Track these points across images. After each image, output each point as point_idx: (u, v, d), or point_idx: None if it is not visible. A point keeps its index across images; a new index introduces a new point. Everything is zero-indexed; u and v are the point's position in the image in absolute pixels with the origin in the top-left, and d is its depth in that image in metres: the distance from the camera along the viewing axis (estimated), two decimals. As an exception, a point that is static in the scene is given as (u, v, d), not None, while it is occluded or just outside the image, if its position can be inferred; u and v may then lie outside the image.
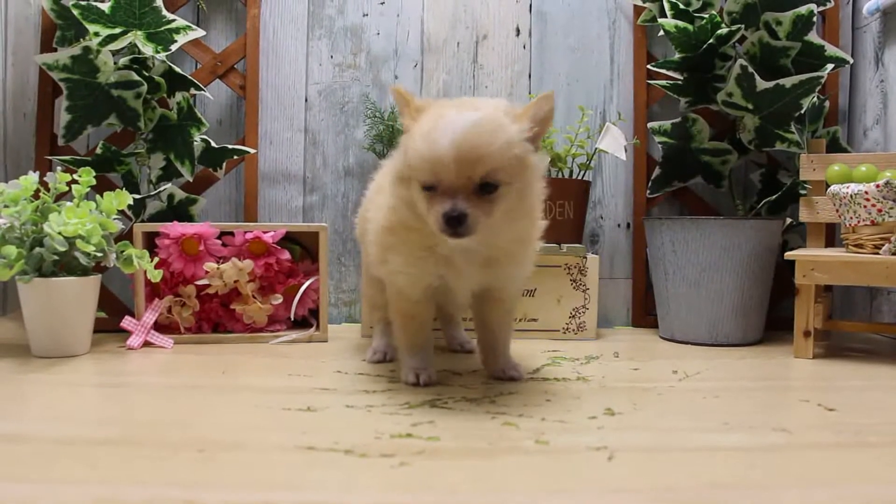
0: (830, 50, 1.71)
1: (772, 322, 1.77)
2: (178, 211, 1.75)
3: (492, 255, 1.15)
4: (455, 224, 1.02)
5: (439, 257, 1.13)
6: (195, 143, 1.73)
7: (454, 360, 1.45)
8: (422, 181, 1.04)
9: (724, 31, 1.66)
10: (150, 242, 1.62)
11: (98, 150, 1.69)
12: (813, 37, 1.71)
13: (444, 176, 1.02)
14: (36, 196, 1.42)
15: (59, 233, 1.36)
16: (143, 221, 1.70)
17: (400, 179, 1.10)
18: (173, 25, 1.66)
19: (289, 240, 1.69)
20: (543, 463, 0.84)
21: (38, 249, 1.38)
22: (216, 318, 1.65)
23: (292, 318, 1.66)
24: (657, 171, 1.89)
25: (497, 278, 1.19)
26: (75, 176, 1.46)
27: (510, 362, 1.28)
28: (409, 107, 1.10)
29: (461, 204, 1.02)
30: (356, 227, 1.52)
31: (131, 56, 1.67)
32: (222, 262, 1.61)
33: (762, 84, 1.66)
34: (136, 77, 1.66)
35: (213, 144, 1.75)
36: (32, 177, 1.41)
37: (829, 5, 1.74)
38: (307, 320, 1.70)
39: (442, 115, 1.04)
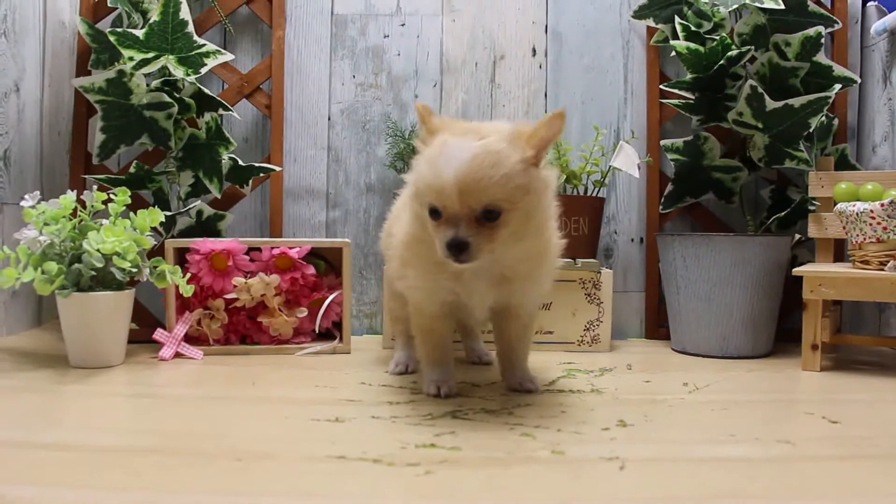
0: (838, 70, 1.76)
1: (782, 334, 1.82)
2: (206, 226, 1.82)
3: (503, 273, 1.19)
4: (457, 252, 1.07)
5: (450, 273, 1.18)
6: (223, 161, 1.80)
7: (474, 372, 1.51)
8: (428, 205, 1.10)
9: (734, 52, 1.71)
10: (181, 257, 1.69)
11: (132, 170, 1.76)
12: (821, 57, 1.75)
13: (448, 204, 1.06)
14: (74, 214, 1.49)
15: (98, 250, 1.43)
16: (173, 237, 1.78)
17: (414, 196, 1.15)
18: (203, 50, 1.73)
19: (313, 255, 1.75)
20: (558, 472, 0.89)
21: (76, 265, 1.45)
22: (244, 330, 1.71)
23: (317, 331, 1.73)
24: (670, 187, 1.94)
25: (512, 295, 1.24)
26: (111, 194, 1.53)
27: (527, 375, 1.33)
28: (424, 126, 1.15)
29: (463, 232, 1.06)
30: (381, 240, 1.57)
31: (163, 78, 1.74)
32: (250, 277, 1.67)
33: (771, 104, 1.71)
34: (168, 98, 1.73)
35: (240, 162, 1.82)
36: (71, 196, 1.48)
37: (836, 27, 1.78)
38: (331, 332, 1.76)
39: (447, 142, 1.08)
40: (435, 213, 1.09)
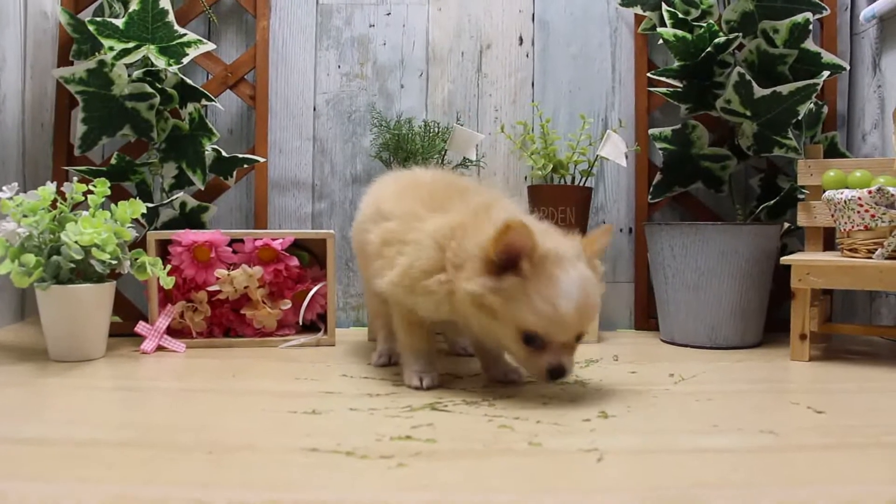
0: (827, 57, 1.74)
1: (772, 324, 1.80)
2: (190, 219, 1.80)
3: None
4: (558, 377, 1.10)
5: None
6: (206, 152, 1.77)
7: (456, 363, 1.49)
8: (527, 334, 1.08)
9: (721, 39, 1.69)
10: (164, 249, 1.67)
11: (113, 161, 1.74)
12: (809, 44, 1.74)
13: (559, 338, 1.08)
14: (53, 206, 1.47)
15: (76, 242, 1.41)
16: (156, 229, 1.76)
17: (494, 292, 1.07)
18: (185, 39, 1.71)
19: (297, 246, 1.73)
20: (534, 464, 0.88)
21: (55, 258, 1.43)
22: (227, 322, 1.70)
23: (301, 323, 1.71)
24: (658, 176, 1.92)
25: None
26: (90, 186, 1.51)
27: (510, 366, 1.32)
28: (533, 251, 1.06)
29: (566, 359, 1.10)
30: (353, 240, 1.50)
31: (144, 69, 1.72)
32: (233, 269, 1.66)
33: (759, 91, 1.69)
34: (150, 89, 1.71)
35: (224, 154, 1.80)
36: (50, 187, 1.46)
37: (825, 13, 1.76)
38: (316, 325, 1.75)
39: (564, 276, 1.06)
40: (533, 340, 1.08)
